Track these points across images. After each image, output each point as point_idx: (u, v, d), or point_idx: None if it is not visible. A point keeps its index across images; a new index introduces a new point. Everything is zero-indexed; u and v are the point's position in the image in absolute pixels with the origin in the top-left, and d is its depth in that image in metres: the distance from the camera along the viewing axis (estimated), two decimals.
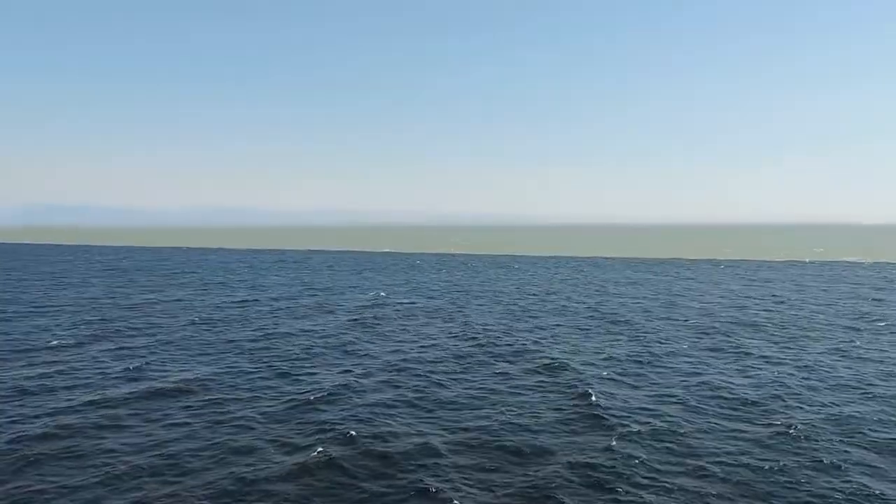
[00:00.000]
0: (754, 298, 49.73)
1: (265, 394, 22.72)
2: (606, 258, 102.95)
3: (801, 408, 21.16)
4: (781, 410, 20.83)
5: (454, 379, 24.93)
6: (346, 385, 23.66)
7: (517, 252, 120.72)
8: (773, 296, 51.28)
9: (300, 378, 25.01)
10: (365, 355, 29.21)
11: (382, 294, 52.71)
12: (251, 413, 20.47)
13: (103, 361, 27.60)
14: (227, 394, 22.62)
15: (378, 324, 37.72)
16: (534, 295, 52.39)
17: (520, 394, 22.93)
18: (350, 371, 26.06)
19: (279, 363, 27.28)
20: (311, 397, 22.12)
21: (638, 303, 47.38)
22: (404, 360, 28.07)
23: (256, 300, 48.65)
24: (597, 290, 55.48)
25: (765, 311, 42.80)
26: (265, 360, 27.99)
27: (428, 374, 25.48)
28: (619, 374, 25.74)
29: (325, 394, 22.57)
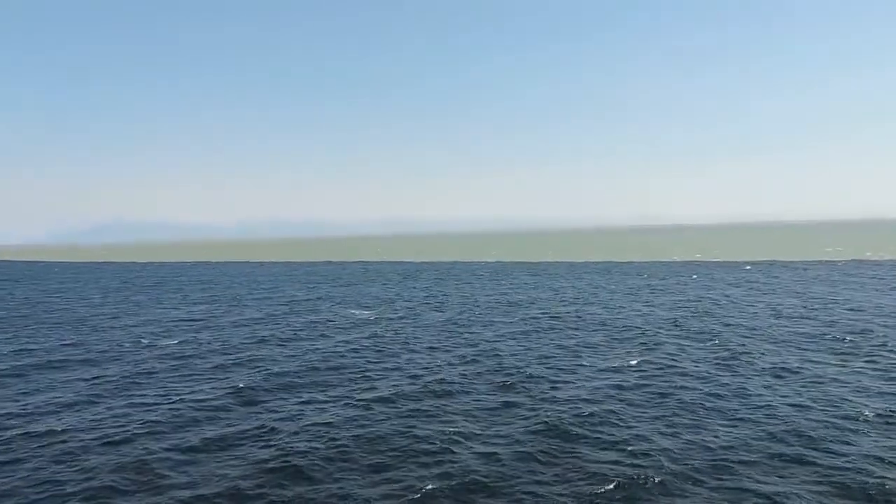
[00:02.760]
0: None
1: (177, 433, 19.08)
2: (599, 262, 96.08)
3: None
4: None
5: (410, 422, 20.62)
6: (273, 426, 19.80)
7: (556, 259, 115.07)
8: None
9: (221, 415, 21.29)
10: (326, 386, 25.26)
11: (387, 308, 48.89)
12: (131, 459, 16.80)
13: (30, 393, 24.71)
14: (128, 433, 19.07)
15: (364, 345, 33.77)
16: (546, 305, 47.42)
17: (482, 442, 18.48)
18: (291, 408, 22.14)
19: (218, 395, 23.64)
20: (223, 441, 18.42)
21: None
22: (361, 398, 23.86)
23: (263, 318, 45.66)
24: (611, 298, 50.03)
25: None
26: (209, 391, 24.45)
27: (387, 414, 21.27)
28: (612, 418, 20.84)
29: (244, 438, 18.82)
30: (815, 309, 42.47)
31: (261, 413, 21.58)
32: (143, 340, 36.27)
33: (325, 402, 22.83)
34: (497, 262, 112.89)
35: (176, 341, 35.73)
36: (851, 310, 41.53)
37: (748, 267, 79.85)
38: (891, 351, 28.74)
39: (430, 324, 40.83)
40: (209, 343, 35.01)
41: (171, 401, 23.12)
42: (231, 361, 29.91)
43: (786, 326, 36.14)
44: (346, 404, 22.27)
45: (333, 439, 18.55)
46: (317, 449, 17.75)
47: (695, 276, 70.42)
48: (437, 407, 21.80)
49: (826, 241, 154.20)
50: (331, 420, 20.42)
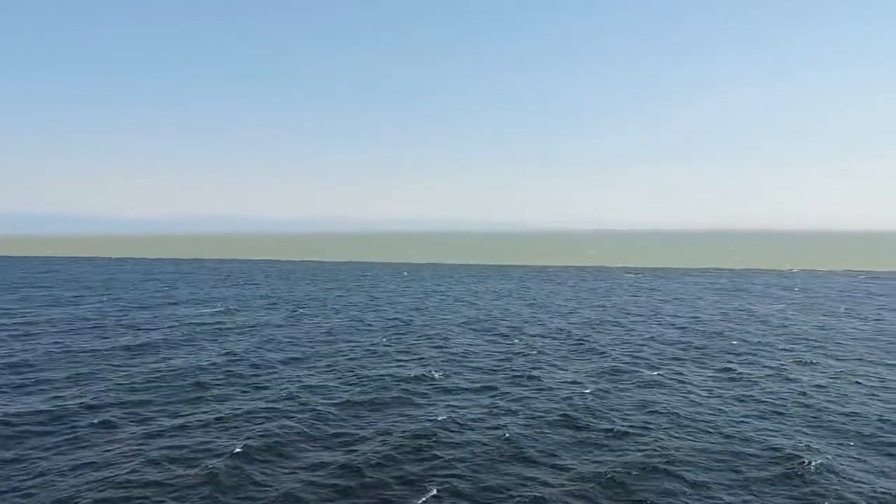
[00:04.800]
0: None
1: None
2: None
3: None
4: None
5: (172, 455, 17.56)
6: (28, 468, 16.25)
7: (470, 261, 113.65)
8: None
9: None
10: (102, 408, 21.68)
11: (241, 312, 45.22)
12: None
13: None
14: None
15: (187, 358, 30.19)
16: (403, 311, 45.25)
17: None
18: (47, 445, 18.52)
19: None
20: None
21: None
22: (124, 431, 20.61)
23: (100, 321, 40.86)
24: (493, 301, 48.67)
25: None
26: None
27: (150, 447, 18.11)
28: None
29: None
30: (656, 315, 42.49)
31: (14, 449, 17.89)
32: None
33: (86, 432, 19.38)
34: (402, 263, 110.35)
35: None
36: (694, 317, 42.39)
37: (630, 274, 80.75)
38: (736, 359, 28.18)
39: (274, 331, 37.60)
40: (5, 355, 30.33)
41: None
42: (18, 379, 25.54)
43: (611, 331, 35.89)
44: (107, 438, 18.96)
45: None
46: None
47: (571, 282, 70.77)
48: (212, 440, 18.85)
49: (729, 250, 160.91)
50: (75, 454, 17.11)
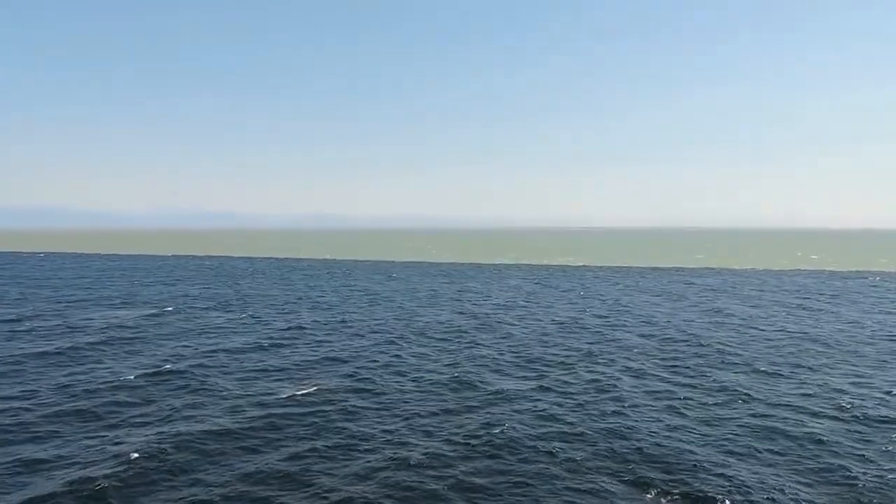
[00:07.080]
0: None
1: None
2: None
3: None
4: None
5: None
6: None
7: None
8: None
9: None
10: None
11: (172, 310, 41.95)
12: None
13: None
14: None
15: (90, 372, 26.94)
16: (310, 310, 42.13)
17: None
18: None
19: None
20: None
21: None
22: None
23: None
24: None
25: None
26: None
27: None
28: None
29: None
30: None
31: None
32: None
33: None
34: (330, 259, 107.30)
35: None
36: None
37: (591, 273, 78.19)
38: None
39: (208, 336, 34.40)
40: None
41: None
42: None
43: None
44: None
45: None
46: None
47: (535, 281, 68.21)
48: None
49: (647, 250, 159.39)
50: None
